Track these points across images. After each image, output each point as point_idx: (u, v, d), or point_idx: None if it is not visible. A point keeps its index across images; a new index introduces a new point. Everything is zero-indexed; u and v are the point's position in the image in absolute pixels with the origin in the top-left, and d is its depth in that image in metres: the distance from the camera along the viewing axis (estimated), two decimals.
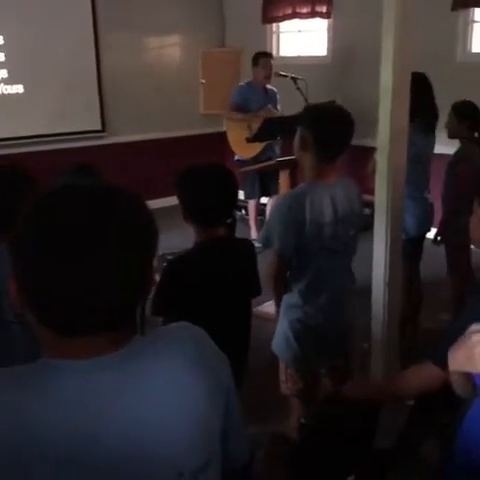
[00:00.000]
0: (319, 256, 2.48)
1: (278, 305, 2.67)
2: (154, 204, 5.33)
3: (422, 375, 1.58)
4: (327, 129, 2.40)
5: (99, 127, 6.94)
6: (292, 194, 2.59)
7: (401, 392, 1.77)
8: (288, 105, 5.90)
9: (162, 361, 1.07)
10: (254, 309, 4.29)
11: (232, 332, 2.20)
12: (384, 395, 1.81)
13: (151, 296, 2.30)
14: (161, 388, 1.05)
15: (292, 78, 5.80)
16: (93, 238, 0.95)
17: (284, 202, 2.52)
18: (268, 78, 5.94)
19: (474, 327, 1.34)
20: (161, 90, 7.31)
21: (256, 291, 2.48)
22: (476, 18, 5.92)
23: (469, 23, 5.94)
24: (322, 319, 2.56)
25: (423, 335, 3.73)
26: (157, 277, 2.32)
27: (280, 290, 2.62)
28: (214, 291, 2.18)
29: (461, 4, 5.77)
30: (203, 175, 2.21)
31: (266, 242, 2.51)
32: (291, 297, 2.59)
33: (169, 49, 7.55)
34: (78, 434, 0.97)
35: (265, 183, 5.97)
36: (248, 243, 2.48)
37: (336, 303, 2.59)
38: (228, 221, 4.33)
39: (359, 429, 1.77)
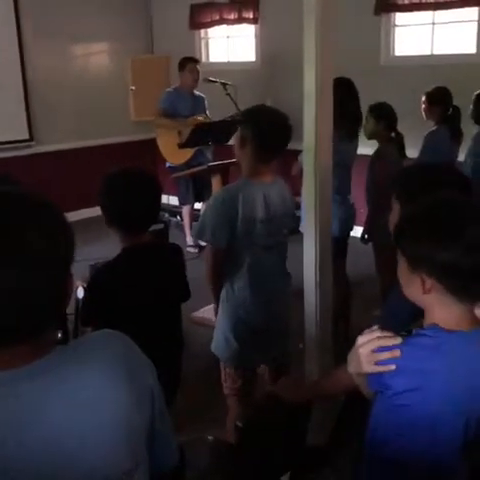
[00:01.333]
0: (253, 253, 2.53)
1: (217, 300, 2.69)
2: (86, 213, 5.28)
3: (347, 374, 1.61)
4: (267, 130, 2.49)
5: (27, 136, 6.79)
6: (227, 189, 2.66)
7: (332, 391, 1.79)
8: (218, 110, 5.93)
9: (84, 368, 1.06)
10: (191, 315, 4.31)
11: (162, 337, 2.19)
12: (315, 395, 1.83)
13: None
14: (83, 395, 1.04)
15: (222, 84, 5.84)
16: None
17: (219, 196, 2.60)
18: (195, 83, 5.96)
19: (366, 331, 1.40)
20: (91, 98, 7.23)
21: (185, 296, 2.48)
22: (398, 22, 6.11)
23: (391, 27, 6.12)
24: (262, 317, 2.60)
25: (355, 332, 3.80)
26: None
27: (218, 283, 2.66)
28: (141, 298, 2.16)
29: (383, 9, 5.94)
30: (124, 180, 2.18)
31: (199, 234, 2.58)
32: (229, 295, 2.62)
33: (98, 56, 7.47)
34: None
35: (198, 189, 5.97)
36: (176, 248, 2.48)
37: (275, 301, 2.63)
38: (160, 227, 4.31)
39: (292, 428, 1.79)
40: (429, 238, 1.33)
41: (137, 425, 1.10)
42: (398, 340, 1.35)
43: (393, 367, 1.34)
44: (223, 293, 2.64)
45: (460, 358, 1.37)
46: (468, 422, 1.45)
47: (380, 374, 1.37)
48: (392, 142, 4.09)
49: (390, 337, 1.36)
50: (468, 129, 4.67)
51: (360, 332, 1.47)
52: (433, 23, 5.89)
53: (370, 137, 4.10)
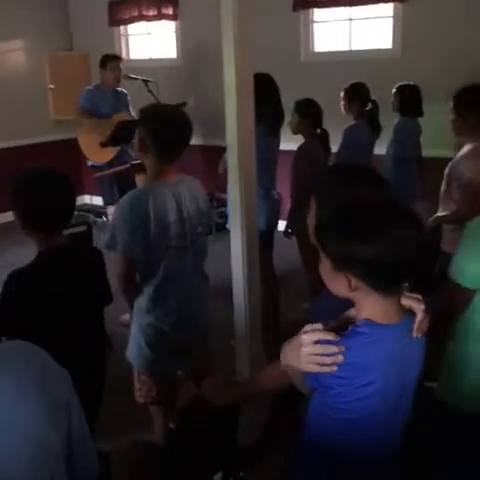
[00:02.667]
0: (167, 256, 2.45)
1: (131, 307, 2.60)
2: (7, 217, 5.07)
3: (282, 370, 1.59)
4: (164, 130, 2.41)
5: None
6: (134, 193, 2.51)
7: (265, 389, 1.74)
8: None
9: None
10: (120, 317, 4.23)
11: (83, 343, 2.13)
12: (246, 396, 1.79)
13: None
14: None
15: (143, 81, 5.76)
16: None
17: (126, 201, 2.44)
18: (117, 81, 5.85)
19: (308, 327, 1.39)
20: (7, 96, 6.97)
21: (107, 299, 2.40)
22: (316, 18, 6.19)
23: (310, 23, 6.20)
24: (175, 320, 2.52)
25: (285, 326, 3.84)
26: None
27: (131, 292, 2.55)
28: (57, 303, 2.07)
29: (301, 5, 6.00)
30: (32, 180, 2.11)
31: (111, 243, 2.44)
32: (141, 301, 2.53)
33: (13, 54, 7.21)
34: None
35: (123, 188, 5.84)
36: (95, 251, 2.39)
37: (189, 303, 2.57)
38: (82, 229, 4.20)
39: (222, 427, 1.78)
40: (351, 237, 1.33)
41: (52, 441, 1.06)
42: (342, 348, 1.32)
43: (335, 368, 1.33)
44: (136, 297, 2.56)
45: (395, 351, 1.39)
46: (405, 413, 1.49)
47: (321, 375, 1.36)
48: (317, 138, 4.15)
49: (333, 341, 1.34)
50: (388, 122, 4.78)
51: (290, 325, 1.45)
52: (350, 19, 6.00)
53: (295, 132, 4.15)
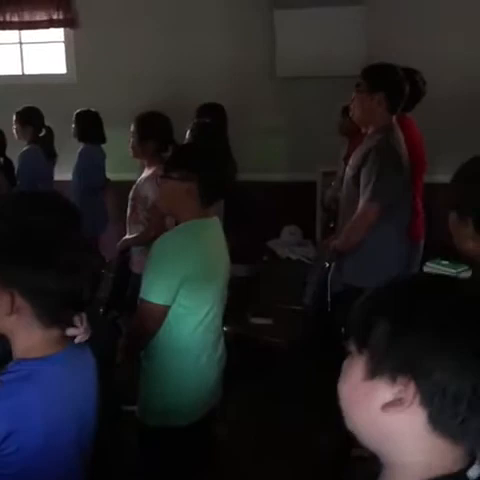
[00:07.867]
0: None
1: None
2: None
3: None
4: None
5: None
6: None
7: None
8: None
9: None
10: None
11: None
12: None
13: None
14: None
15: None
16: None
17: None
18: None
19: None
20: None
21: None
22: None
23: None
24: None
25: None
26: None
27: None
28: None
29: None
30: None
31: None
32: None
33: None
34: None
35: None
36: None
37: None
38: None
39: None
40: (26, 259, 1.26)
41: None
42: None
43: None
44: None
45: (56, 383, 1.31)
46: (82, 448, 1.39)
47: None
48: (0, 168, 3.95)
49: None
50: (72, 148, 4.70)
51: None
52: (20, 42, 5.77)
53: None
